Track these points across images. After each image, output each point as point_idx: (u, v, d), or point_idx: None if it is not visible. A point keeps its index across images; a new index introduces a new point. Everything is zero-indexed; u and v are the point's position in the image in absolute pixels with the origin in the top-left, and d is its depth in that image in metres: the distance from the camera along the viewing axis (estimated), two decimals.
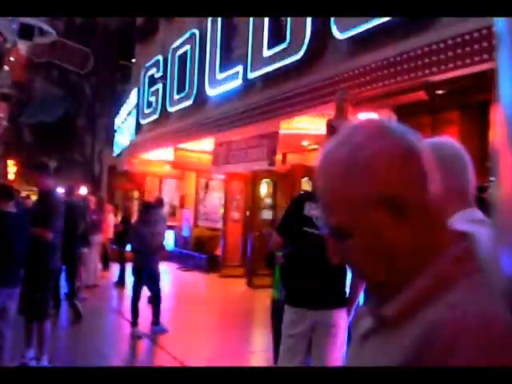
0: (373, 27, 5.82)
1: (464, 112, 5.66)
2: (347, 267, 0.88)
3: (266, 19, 7.94)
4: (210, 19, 9.73)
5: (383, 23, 5.68)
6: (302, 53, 7.03)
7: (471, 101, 5.49)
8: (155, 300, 6.45)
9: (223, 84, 9.26)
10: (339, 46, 6.55)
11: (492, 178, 0.90)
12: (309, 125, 7.94)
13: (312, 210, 3.05)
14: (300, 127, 7.95)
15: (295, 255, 3.23)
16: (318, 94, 6.78)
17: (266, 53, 7.91)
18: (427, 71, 5.11)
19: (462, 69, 4.78)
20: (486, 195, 1.60)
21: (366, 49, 6.02)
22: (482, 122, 5.50)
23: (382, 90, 5.78)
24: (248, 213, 11.30)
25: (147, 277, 6.37)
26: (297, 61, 7.18)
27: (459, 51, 4.76)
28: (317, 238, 3.05)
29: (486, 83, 5.04)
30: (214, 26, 9.66)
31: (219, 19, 9.43)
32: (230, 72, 8.95)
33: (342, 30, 6.32)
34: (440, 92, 5.39)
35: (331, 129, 5.62)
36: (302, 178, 9.13)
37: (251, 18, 8.31)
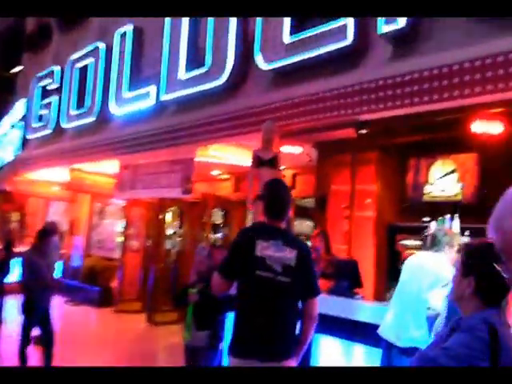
0: (300, 61, 5.80)
1: (382, 153, 5.83)
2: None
3: (184, 40, 7.61)
4: (117, 32, 9.10)
5: (311, 58, 5.69)
6: (223, 79, 6.79)
7: (391, 143, 5.67)
8: (48, 342, 5.51)
9: (131, 103, 8.63)
10: (263, 76, 6.43)
11: None
12: (223, 154, 7.68)
13: (265, 250, 2.71)
14: (213, 155, 7.65)
15: (244, 301, 2.85)
16: (239, 122, 6.57)
17: (183, 75, 7.54)
18: (357, 109, 5.17)
19: (392, 110, 4.89)
20: None
21: (292, 81, 5.97)
22: (400, 164, 5.71)
23: (307, 125, 5.74)
24: (150, 242, 10.59)
25: (40, 315, 5.45)
26: (217, 87, 6.91)
27: (390, 92, 4.88)
28: (271, 283, 2.73)
29: (410, 125, 5.26)
30: (121, 41, 9.04)
31: (129, 32, 8.85)
32: (141, 91, 8.39)
33: (267, 60, 6.21)
34: (363, 131, 5.47)
35: (257, 159, 5.44)
36: (213, 208, 8.78)
37: (166, 37, 7.91)
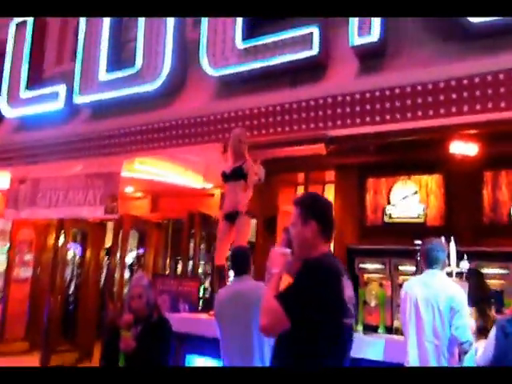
0: (256, 69, 5.27)
1: (341, 172, 5.53)
2: None
3: (105, 36, 6.61)
4: (15, 20, 7.64)
5: (269, 67, 5.20)
6: (157, 83, 5.96)
7: (350, 161, 5.40)
8: None
9: (30, 105, 7.25)
10: (208, 82, 5.76)
11: None
12: (151, 168, 6.78)
13: (347, 290, 2.06)
14: (139, 170, 6.70)
15: (320, 355, 2.06)
16: (175, 133, 5.79)
17: (103, 76, 6.51)
18: (321, 124, 4.79)
19: (362, 127, 4.60)
20: None
21: (244, 91, 5.40)
22: (359, 184, 5.46)
23: (262, 140, 5.20)
24: (39, 270, 9.00)
25: None
26: (150, 92, 6.05)
27: (358, 108, 4.59)
28: (351, 331, 2.09)
29: (374, 144, 5.04)
30: (20, 30, 7.61)
31: (30, 21, 7.47)
32: (44, 91, 7.08)
33: (214, 66, 5.57)
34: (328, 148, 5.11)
35: (222, 175, 4.73)
36: (130, 229, 7.70)
37: (81, 32, 6.82)
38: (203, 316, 4.78)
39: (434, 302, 3.16)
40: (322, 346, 1.96)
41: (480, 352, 3.01)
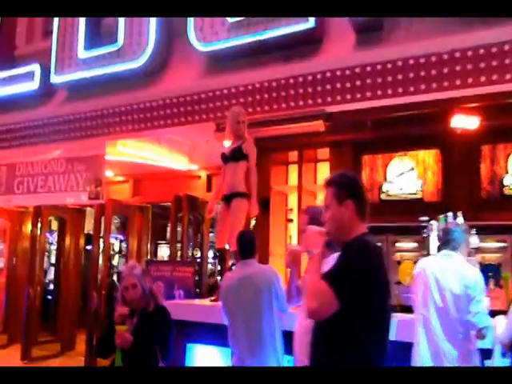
0: (247, 43, 5.05)
1: (335, 149, 5.41)
2: None
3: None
4: None
5: (260, 41, 5.00)
6: (142, 60, 5.67)
7: (345, 139, 5.29)
8: None
9: (3, 86, 6.80)
10: (196, 59, 5.51)
11: None
12: (135, 151, 6.50)
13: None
14: (122, 153, 6.42)
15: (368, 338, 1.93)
16: (164, 113, 5.54)
17: (83, 53, 6.15)
18: (319, 100, 4.65)
19: (361, 101, 4.49)
20: None
21: (237, 67, 5.19)
22: (354, 162, 5.37)
23: (257, 117, 5.02)
24: (15, 260, 8.60)
25: None
26: (134, 70, 5.75)
27: (358, 83, 4.47)
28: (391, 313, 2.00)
29: (371, 120, 4.94)
30: None
31: None
32: (18, 71, 6.66)
33: (203, 40, 5.32)
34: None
35: (222, 156, 4.52)
36: (112, 214, 7.41)
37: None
38: (204, 302, 4.63)
39: (447, 285, 3.11)
40: (370, 328, 1.88)
41: (500, 329, 2.97)
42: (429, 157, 5.05)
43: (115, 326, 3.02)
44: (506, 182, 4.72)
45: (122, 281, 3.19)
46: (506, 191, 4.70)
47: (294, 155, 5.83)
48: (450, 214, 3.92)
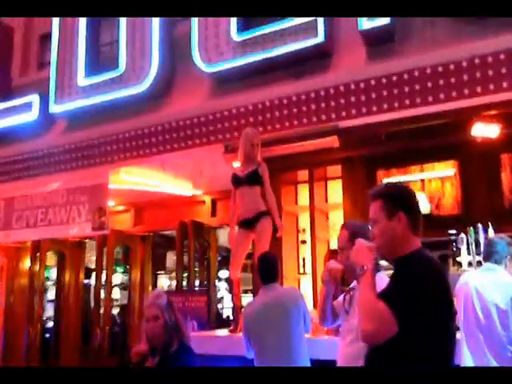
0: (255, 62, 4.96)
1: (348, 166, 5.27)
2: None
3: (83, 38, 6.12)
4: None
5: (268, 59, 4.90)
6: (146, 85, 5.54)
7: (356, 155, 5.15)
8: None
9: (1, 118, 6.62)
10: (201, 80, 5.39)
11: None
12: (139, 178, 6.31)
13: None
14: (125, 181, 6.22)
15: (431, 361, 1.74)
16: (170, 137, 5.39)
17: (82, 81, 6.01)
18: (333, 115, 4.53)
19: (377, 114, 4.38)
20: None
21: (243, 86, 5.07)
22: (367, 178, 5.22)
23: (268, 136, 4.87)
24: (13, 298, 8.23)
25: None
26: (136, 95, 5.61)
27: (373, 95, 4.36)
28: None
29: (385, 133, 4.82)
30: None
31: None
32: (15, 103, 6.49)
33: (208, 61, 5.22)
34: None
35: (233, 178, 4.33)
36: (115, 245, 7.14)
37: (54, 35, 6.29)
38: (224, 333, 4.35)
39: (491, 300, 2.94)
40: (434, 354, 1.67)
41: None
42: (446, 168, 4.92)
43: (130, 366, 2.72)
44: None
45: (145, 312, 2.91)
46: None
47: (302, 174, 5.67)
48: (479, 225, 3.75)
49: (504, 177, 4.68)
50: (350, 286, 2.46)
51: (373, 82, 4.27)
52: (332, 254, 4.43)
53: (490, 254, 3.15)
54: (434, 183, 4.96)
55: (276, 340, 3.10)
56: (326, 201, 5.81)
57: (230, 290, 4.31)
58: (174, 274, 11.11)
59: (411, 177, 5.01)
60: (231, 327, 4.25)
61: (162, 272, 11.06)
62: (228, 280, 8.83)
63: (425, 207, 4.91)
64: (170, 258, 12.32)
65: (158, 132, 5.42)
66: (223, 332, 4.40)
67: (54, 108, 6.14)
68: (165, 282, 11.12)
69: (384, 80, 4.29)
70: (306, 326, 3.16)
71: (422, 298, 1.64)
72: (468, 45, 4.01)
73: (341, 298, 2.55)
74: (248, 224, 4.10)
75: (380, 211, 1.83)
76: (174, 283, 10.91)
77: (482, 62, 3.98)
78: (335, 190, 5.67)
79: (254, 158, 4.18)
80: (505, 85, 3.85)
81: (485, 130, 4.22)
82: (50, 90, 6.15)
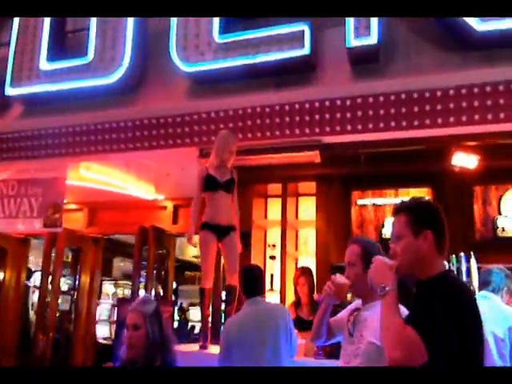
0: (237, 66, 4.72)
1: (322, 183, 5.13)
2: None
3: (47, 22, 5.67)
4: None
5: (250, 65, 4.69)
6: (116, 77, 5.17)
7: (334, 173, 5.03)
8: None
9: None
10: (178, 79, 5.09)
11: None
12: (99, 175, 5.89)
13: None
14: (85, 177, 5.79)
15: None
16: (141, 134, 5.06)
17: (45, 65, 5.55)
18: (316, 129, 4.38)
19: (362, 133, 4.27)
20: None
21: (222, 90, 4.82)
22: (343, 197, 5.11)
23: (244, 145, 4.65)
24: None
25: None
26: (105, 86, 5.22)
27: (359, 114, 4.25)
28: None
29: (364, 154, 4.72)
30: None
31: None
32: None
33: (187, 61, 4.93)
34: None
35: (212, 180, 4.05)
36: (64, 246, 6.61)
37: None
38: (193, 348, 3.98)
39: (488, 328, 2.83)
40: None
41: None
42: (420, 195, 4.88)
43: None
44: (499, 223, 4.62)
45: (131, 317, 2.39)
46: (500, 233, 4.60)
47: (273, 187, 5.49)
48: (461, 254, 3.70)
49: (476, 209, 4.70)
50: (354, 307, 2.28)
51: (359, 100, 4.16)
52: (303, 272, 4.26)
53: (487, 283, 3.11)
54: None
55: (261, 361, 2.86)
56: (297, 217, 5.65)
57: (201, 301, 4.02)
58: (120, 282, 10.63)
59: (385, 200, 4.94)
60: (200, 343, 3.91)
61: (108, 278, 10.48)
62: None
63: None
64: (117, 264, 11.74)
65: (128, 128, 5.07)
66: (192, 347, 4.04)
67: (10, 91, 5.62)
68: (110, 288, 10.53)
69: (371, 99, 4.19)
70: (291, 346, 2.95)
71: (455, 325, 1.51)
72: (454, 74, 3.98)
73: (339, 315, 2.38)
74: (217, 230, 3.85)
75: (405, 227, 1.69)
76: (120, 291, 10.42)
77: (468, 93, 3.97)
78: (307, 207, 5.52)
79: (228, 164, 3.99)
80: (489, 117, 3.84)
81: (464, 161, 4.20)
82: (8, 71, 5.63)
